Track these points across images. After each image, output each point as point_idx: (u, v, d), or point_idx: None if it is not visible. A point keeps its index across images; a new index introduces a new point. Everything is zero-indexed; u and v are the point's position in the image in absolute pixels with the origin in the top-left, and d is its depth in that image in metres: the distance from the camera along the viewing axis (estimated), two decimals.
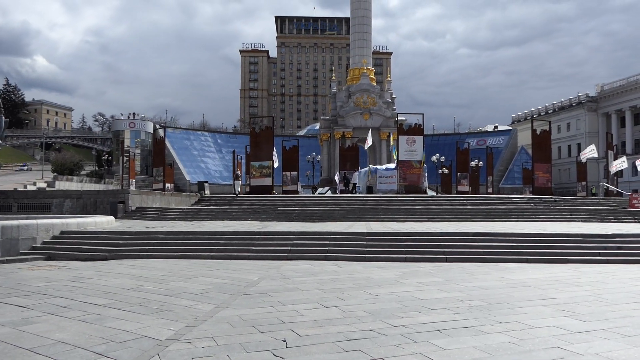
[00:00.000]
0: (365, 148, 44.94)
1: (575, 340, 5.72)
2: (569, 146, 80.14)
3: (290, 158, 38.81)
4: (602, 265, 12.10)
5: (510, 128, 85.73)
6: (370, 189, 38.08)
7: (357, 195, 34.97)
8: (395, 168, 36.58)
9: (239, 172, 36.14)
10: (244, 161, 44.52)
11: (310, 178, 61.50)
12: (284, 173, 38.74)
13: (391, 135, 46.76)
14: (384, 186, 37.09)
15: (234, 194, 34.34)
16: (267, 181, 34.46)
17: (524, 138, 76.70)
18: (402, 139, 35.33)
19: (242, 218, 23.76)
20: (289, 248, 13.89)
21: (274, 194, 34.33)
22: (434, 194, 43.78)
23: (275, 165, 35.69)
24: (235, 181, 34.70)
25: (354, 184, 38.69)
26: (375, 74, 68.07)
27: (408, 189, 34.61)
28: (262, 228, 17.10)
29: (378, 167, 41.08)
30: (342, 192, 39.42)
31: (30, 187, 45.20)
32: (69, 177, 60.30)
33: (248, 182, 37.37)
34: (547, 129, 38.50)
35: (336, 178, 45.52)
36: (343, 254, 13.37)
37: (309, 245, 14.08)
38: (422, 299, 7.90)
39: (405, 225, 19.07)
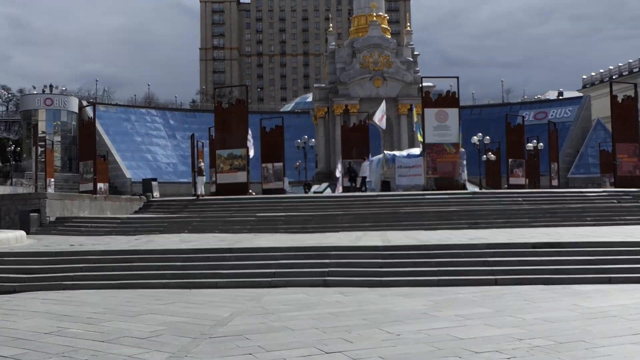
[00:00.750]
0: (378, 122, 44.94)
1: None
2: None
3: (273, 144, 38.74)
4: None
5: (581, 95, 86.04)
6: (386, 185, 38.04)
7: (368, 194, 34.95)
8: (421, 154, 36.55)
9: (201, 164, 36.04)
10: (207, 149, 44.42)
11: (301, 171, 61.49)
12: (264, 165, 38.68)
13: (414, 109, 46.74)
14: (405, 180, 37.05)
15: (195, 195, 34.22)
16: (241, 177, 34.39)
17: (601, 108, 76.84)
18: (430, 113, 35.30)
19: (207, 229, 23.68)
20: (274, 271, 13.85)
21: (250, 194, 34.29)
22: (476, 189, 43.81)
23: (252, 154, 35.62)
24: (198, 177, 34.62)
25: (363, 178, 38.68)
26: (390, 22, 68.01)
27: (440, 183, 34.61)
28: (235, 243, 17.02)
29: (397, 153, 41.04)
30: (346, 189, 39.40)
31: None
32: None
33: (214, 179, 37.25)
34: (633, 95, 38.58)
35: (337, 170, 45.47)
36: (350, 277, 13.34)
37: (302, 266, 14.04)
38: (462, 338, 7.87)
39: (436, 235, 19.01)
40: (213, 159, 37.47)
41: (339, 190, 43.06)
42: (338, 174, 45.39)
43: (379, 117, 44.25)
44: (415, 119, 43.82)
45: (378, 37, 58.32)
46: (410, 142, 55.04)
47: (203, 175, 34.75)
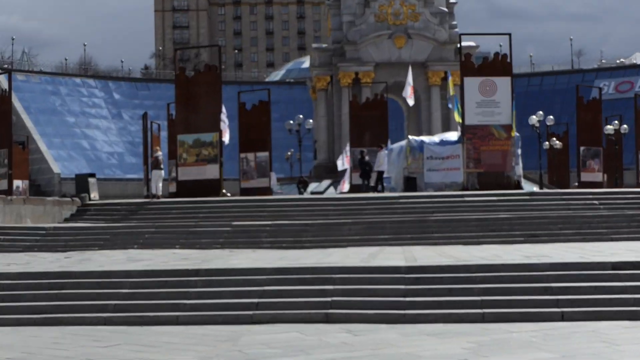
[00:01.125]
0: (408, 97, 44.78)
1: None
2: None
3: (256, 126, 38.58)
4: None
5: None
6: (411, 183, 37.95)
7: (386, 195, 34.89)
8: (459, 141, 36.45)
9: (158, 154, 35.94)
10: (165, 133, 44.37)
11: (294, 164, 61.43)
12: (242, 155, 38.53)
13: (450, 78, 46.67)
14: (437, 176, 36.95)
15: (148, 196, 34.20)
16: (211, 171, 34.32)
17: None
18: (471, 83, 35.21)
19: (164, 244, 23.68)
20: (256, 301, 13.82)
21: (224, 196, 34.24)
22: (536, 188, 43.69)
23: (226, 140, 35.53)
24: (153, 172, 34.53)
25: (380, 174, 38.59)
26: None
27: (485, 180, 34.53)
28: (204, 263, 16.95)
29: (425, 139, 40.93)
30: (356, 189, 39.34)
31: None
32: None
33: (174, 175, 37.15)
34: None
35: (341, 162, 45.32)
36: (361, 310, 13.32)
37: (295, 295, 14.03)
38: None
39: (480, 252, 18.92)
40: (173, 147, 37.38)
41: (344, 189, 42.99)
42: (342, 166, 45.28)
43: (409, 92, 44.13)
44: (451, 92, 43.67)
45: None
46: (444, 123, 54.94)
47: (160, 169, 34.68)
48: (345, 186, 43.50)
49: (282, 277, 14.86)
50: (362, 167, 39.20)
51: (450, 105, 44.75)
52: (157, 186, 33.91)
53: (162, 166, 34.95)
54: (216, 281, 14.83)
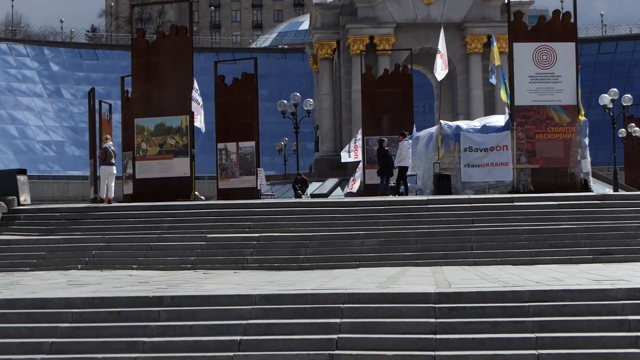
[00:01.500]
0: (436, 69, 44.84)
1: None
2: None
3: (238, 107, 38.62)
4: None
5: None
6: (444, 182, 37.91)
7: (411, 198, 34.91)
8: (507, 127, 36.44)
9: (109, 143, 35.94)
10: (118, 116, 44.35)
11: (289, 157, 61.48)
12: (221, 146, 38.56)
13: (494, 44, 46.74)
14: (478, 173, 36.92)
15: (97, 199, 34.20)
16: (179, 167, 34.35)
17: None
18: (524, 51, 35.25)
19: (118, 262, 23.83)
20: (239, 339, 13.85)
21: (197, 199, 34.28)
22: (609, 190, 43.68)
23: (200, 125, 35.54)
24: (103, 167, 34.56)
25: (403, 170, 38.61)
26: None
27: (541, 178, 34.55)
28: (169, 288, 17.03)
29: (462, 124, 40.91)
30: (370, 190, 39.33)
31: None
32: None
33: (130, 171, 37.16)
34: None
35: (349, 153, 45.31)
36: (376, 352, 13.33)
37: (290, 331, 14.07)
38: None
39: (535, 274, 18.94)
40: (129, 135, 37.38)
41: (353, 189, 43.04)
42: (347, 157, 45.24)
43: (444, 64, 44.03)
44: (496, 62, 43.68)
45: None
46: (487, 103, 55.00)
47: (112, 164, 34.70)
48: (356, 185, 43.49)
49: (272, 307, 14.88)
50: (382, 160, 39.09)
51: (494, 80, 44.73)
52: (108, 186, 33.92)
53: (113, 160, 34.94)
54: (186, 312, 14.85)
